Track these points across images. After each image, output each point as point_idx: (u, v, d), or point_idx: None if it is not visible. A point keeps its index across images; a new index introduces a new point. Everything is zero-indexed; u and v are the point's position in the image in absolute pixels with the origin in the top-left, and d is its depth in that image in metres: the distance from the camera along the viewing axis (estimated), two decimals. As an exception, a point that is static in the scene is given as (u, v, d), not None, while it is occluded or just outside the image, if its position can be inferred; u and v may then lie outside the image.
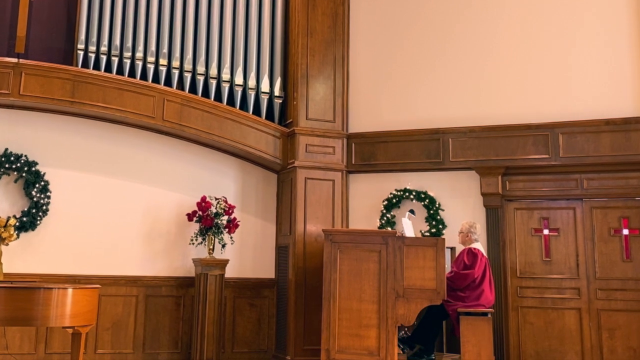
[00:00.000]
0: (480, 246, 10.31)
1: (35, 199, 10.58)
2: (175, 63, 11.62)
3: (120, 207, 11.17)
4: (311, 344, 10.83)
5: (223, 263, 11.04)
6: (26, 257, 10.51)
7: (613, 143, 10.53)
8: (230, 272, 11.34)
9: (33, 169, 10.67)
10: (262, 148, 11.59)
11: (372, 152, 11.79)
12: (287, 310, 11.30)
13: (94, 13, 11.37)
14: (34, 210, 10.57)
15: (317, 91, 11.76)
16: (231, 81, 11.88)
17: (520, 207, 11.12)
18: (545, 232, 10.93)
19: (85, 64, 11.17)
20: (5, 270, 9.65)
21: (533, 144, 10.90)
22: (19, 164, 10.60)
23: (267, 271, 11.97)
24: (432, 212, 11.32)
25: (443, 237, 10.61)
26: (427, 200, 11.36)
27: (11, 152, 10.66)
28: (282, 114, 12.14)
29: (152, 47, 11.55)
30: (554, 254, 10.85)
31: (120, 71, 11.31)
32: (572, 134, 10.71)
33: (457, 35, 11.71)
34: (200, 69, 11.74)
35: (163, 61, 11.56)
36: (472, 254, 10.10)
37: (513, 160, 10.96)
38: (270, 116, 11.97)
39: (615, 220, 10.65)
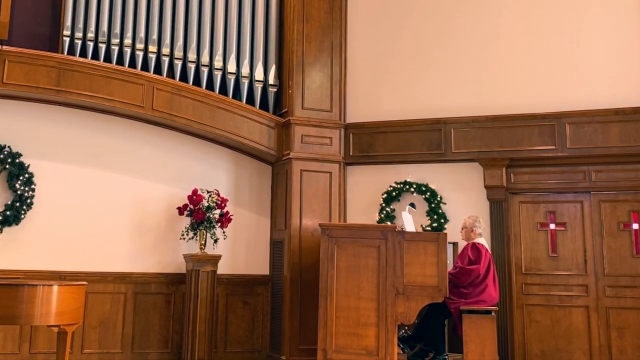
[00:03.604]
0: (484, 241, 10.32)
1: (19, 192, 10.56)
2: (165, 50, 11.61)
3: (108, 201, 11.15)
4: (307, 344, 10.82)
5: (215, 259, 11.04)
6: (10, 252, 10.50)
7: (622, 134, 10.53)
8: (222, 269, 11.32)
9: (17, 160, 10.65)
10: (256, 139, 11.58)
11: (371, 143, 11.77)
12: (282, 308, 11.31)
13: (81, -3, 11.39)
14: (17, 204, 10.55)
15: (313, 79, 11.75)
16: (224, 69, 11.87)
17: (526, 200, 11.12)
18: (552, 226, 10.94)
19: (71, 51, 11.15)
20: (-13, 267, 9.68)
21: (539, 134, 10.89)
22: (2, 156, 10.58)
23: (261, 267, 11.97)
24: (433, 205, 11.32)
25: (445, 231, 10.61)
26: (428, 194, 11.36)
27: (-6, 143, 10.68)
28: (277, 103, 12.13)
29: (141, 33, 11.53)
30: (561, 249, 10.85)
31: (107, 59, 11.31)
32: (580, 124, 10.71)
33: (460, 22, 11.69)
34: (192, 56, 11.72)
35: (152, 48, 11.54)
36: (476, 249, 10.11)
37: (518, 151, 10.96)
38: (264, 105, 11.96)
39: (624, 214, 10.65)
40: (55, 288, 7.63)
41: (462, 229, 10.55)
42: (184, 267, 11.25)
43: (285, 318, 11.13)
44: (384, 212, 11.54)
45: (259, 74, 11.96)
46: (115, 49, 11.36)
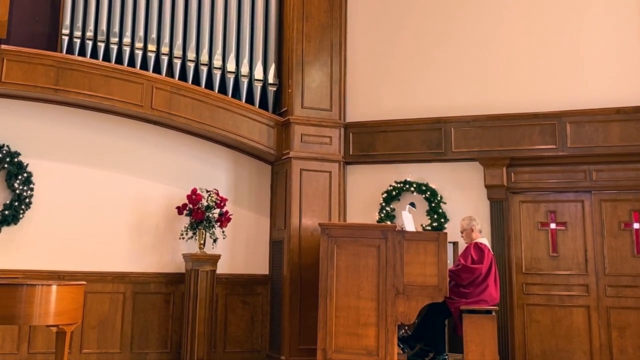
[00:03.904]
0: (486, 241, 10.33)
1: (17, 192, 10.56)
2: (165, 49, 11.61)
3: (107, 200, 11.15)
4: (307, 344, 10.82)
5: (214, 258, 11.03)
6: (8, 252, 10.50)
7: (623, 133, 10.52)
8: (222, 268, 11.32)
9: (15, 160, 10.65)
10: (256, 138, 11.58)
11: (371, 142, 11.77)
12: (281, 308, 11.31)
13: (79, -4, 11.38)
14: (16, 203, 10.55)
15: (313, 78, 11.74)
16: (223, 68, 11.86)
17: (526, 200, 11.12)
18: (552, 226, 10.94)
19: (70, 50, 11.15)
20: (-14, 266, 9.68)
21: (539, 133, 10.89)
22: (0, 155, 10.57)
23: (261, 267, 11.97)
24: (433, 205, 11.31)
25: (445, 231, 10.60)
26: (428, 193, 11.36)
27: (-8, 143, 10.68)
28: (277, 102, 12.12)
29: (140, 32, 11.53)
30: (562, 249, 10.85)
31: (106, 57, 11.30)
32: (581, 123, 10.70)
33: (460, 20, 11.68)
34: (191, 55, 11.72)
35: (152, 47, 11.54)
36: (479, 248, 10.11)
37: (518, 150, 10.96)
38: (264, 104, 11.96)
39: (625, 214, 10.65)
40: (54, 288, 7.63)
41: (462, 232, 10.56)
42: (183, 267, 11.25)
43: (285, 318, 11.13)
44: (384, 211, 11.54)
45: (258, 73, 11.96)
46: (114, 47, 11.36)
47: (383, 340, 9.47)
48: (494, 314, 9.76)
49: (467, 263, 10.07)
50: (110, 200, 11.16)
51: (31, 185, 10.69)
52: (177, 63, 11.62)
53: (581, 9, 11.04)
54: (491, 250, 10.31)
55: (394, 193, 11.53)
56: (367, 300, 9.63)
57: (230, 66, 11.84)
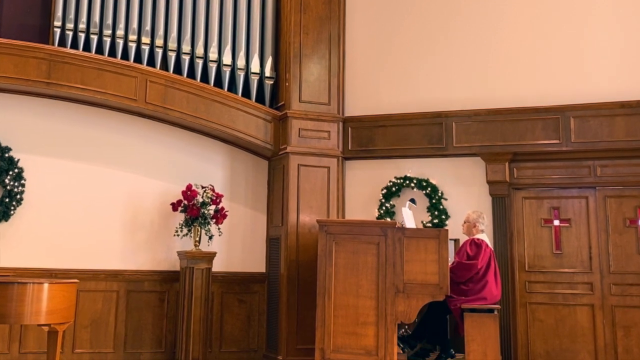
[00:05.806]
0: (485, 237, 10.27)
1: (8, 188, 10.54)
2: (159, 41, 11.59)
3: (100, 196, 11.13)
4: (304, 343, 10.81)
5: (210, 256, 11.03)
6: (-1, 249, 10.51)
7: (628, 127, 10.50)
8: (217, 266, 11.32)
9: (6, 155, 10.64)
10: (252, 133, 11.55)
11: (370, 137, 11.75)
12: (278, 307, 11.29)
13: (72, -12, 11.35)
14: (7, 200, 10.53)
15: (311, 72, 11.72)
16: (219, 61, 11.84)
17: (529, 196, 11.10)
18: (556, 222, 10.92)
19: (62, 43, 11.14)
20: (-24, 264, 9.66)
21: (543, 128, 10.87)
22: (-10, 150, 10.58)
23: (258, 265, 11.96)
24: (434, 201, 11.29)
25: (446, 228, 10.61)
26: (428, 189, 11.34)
27: (-18, 137, 10.65)
28: (274, 96, 12.11)
29: (134, 24, 11.51)
30: (565, 246, 10.83)
31: (99, 50, 11.29)
32: (585, 117, 10.68)
33: (462, 12, 11.66)
34: (186, 47, 11.70)
35: (146, 39, 11.52)
36: (476, 244, 10.06)
37: (521, 145, 10.93)
38: (260, 98, 11.94)
39: (630, 210, 10.62)
40: (45, 286, 7.63)
41: (464, 222, 10.48)
42: (177, 265, 11.24)
43: (282, 317, 11.11)
44: (384, 208, 11.52)
45: (255, 66, 11.94)
46: (108, 40, 11.34)
47: (382, 340, 9.45)
48: (496, 312, 9.73)
49: (463, 260, 10.03)
50: (104, 197, 11.15)
51: (22, 181, 10.67)
52: (172, 56, 11.60)
53: (585, 0, 11.00)
54: (489, 245, 10.24)
55: (393, 189, 11.52)
56: (367, 298, 9.60)
57: (226, 59, 11.82)
